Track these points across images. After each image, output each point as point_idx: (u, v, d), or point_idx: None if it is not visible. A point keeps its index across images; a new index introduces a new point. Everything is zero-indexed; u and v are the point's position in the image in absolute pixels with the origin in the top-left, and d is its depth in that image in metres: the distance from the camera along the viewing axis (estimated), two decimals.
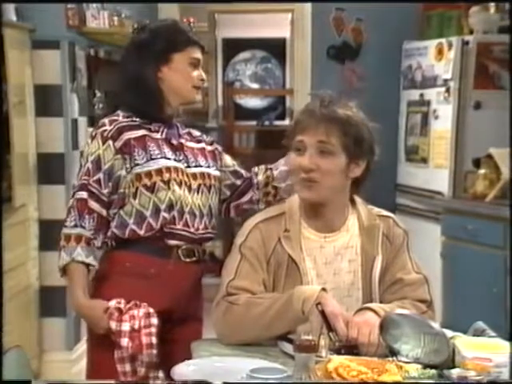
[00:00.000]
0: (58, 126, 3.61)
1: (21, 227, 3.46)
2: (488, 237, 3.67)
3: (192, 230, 2.02)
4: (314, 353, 1.32)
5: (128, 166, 1.99)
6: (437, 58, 4.21)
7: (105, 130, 2.01)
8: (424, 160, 4.33)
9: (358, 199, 1.95)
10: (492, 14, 4.21)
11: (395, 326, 1.65)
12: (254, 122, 6.81)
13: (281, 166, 2.20)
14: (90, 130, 2.60)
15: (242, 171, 2.24)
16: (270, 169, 2.24)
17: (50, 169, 3.60)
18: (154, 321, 1.91)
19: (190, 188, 2.03)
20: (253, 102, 7.08)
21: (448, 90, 4.09)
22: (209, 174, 2.10)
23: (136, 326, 1.88)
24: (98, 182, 1.98)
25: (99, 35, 3.93)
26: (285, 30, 6.73)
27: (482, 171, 3.93)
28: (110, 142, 1.99)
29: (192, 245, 2.05)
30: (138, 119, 2.04)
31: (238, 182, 2.21)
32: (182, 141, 2.11)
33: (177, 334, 2.05)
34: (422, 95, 4.35)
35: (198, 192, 2.05)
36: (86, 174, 1.99)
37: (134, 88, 2.05)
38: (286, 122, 6.79)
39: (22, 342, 1.88)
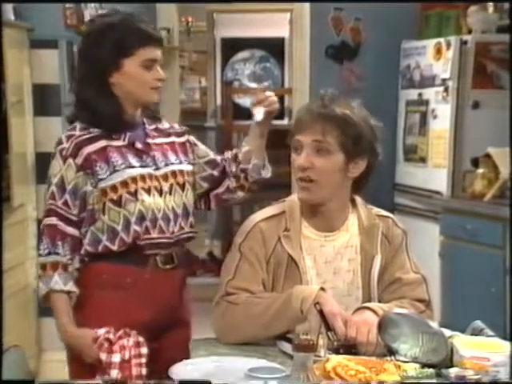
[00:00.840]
0: (57, 126, 3.61)
1: (19, 227, 3.46)
2: (487, 236, 3.67)
3: (168, 234, 1.95)
4: (313, 352, 1.32)
5: (92, 181, 1.91)
6: (435, 58, 4.21)
7: (63, 149, 1.92)
8: (422, 159, 4.33)
9: (358, 199, 1.95)
10: (490, 14, 4.20)
11: (393, 326, 1.65)
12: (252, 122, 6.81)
13: (244, 148, 2.15)
14: None
15: (218, 159, 2.15)
16: (236, 153, 2.17)
17: (49, 168, 3.60)
18: (144, 350, 1.84)
19: (161, 191, 1.95)
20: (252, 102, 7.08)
21: (446, 90, 4.09)
22: (181, 171, 2.01)
23: (126, 357, 1.82)
24: (66, 203, 1.91)
25: None
26: (283, 30, 6.73)
27: (480, 171, 3.93)
28: (70, 160, 1.91)
29: (170, 250, 1.97)
30: (95, 130, 1.94)
31: (215, 173, 2.12)
32: (149, 140, 2.00)
33: (163, 342, 1.98)
34: (420, 95, 4.34)
35: (170, 193, 1.97)
36: (51, 198, 1.93)
37: (85, 97, 1.95)
38: (285, 121, 6.79)
39: (20, 341, 1.88)
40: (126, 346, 1.82)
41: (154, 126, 2.05)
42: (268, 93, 2.01)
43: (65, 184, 1.91)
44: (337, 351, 1.67)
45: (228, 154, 2.17)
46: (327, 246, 1.88)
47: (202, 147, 2.15)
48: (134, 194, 1.91)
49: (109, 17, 1.99)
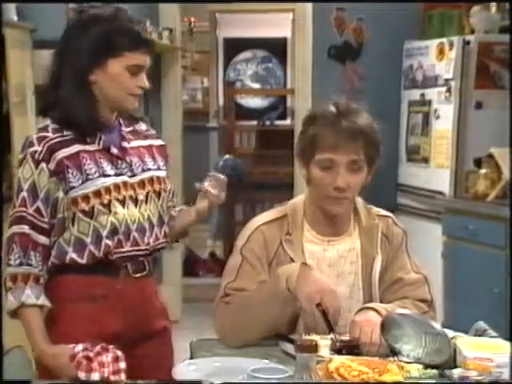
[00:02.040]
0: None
1: None
2: (489, 237, 3.66)
3: (142, 246, 1.84)
4: (315, 353, 1.31)
5: (64, 188, 1.77)
6: (438, 58, 4.20)
7: (35, 152, 1.77)
8: (425, 160, 4.33)
9: (359, 201, 1.95)
10: (493, 14, 4.20)
11: (396, 326, 1.65)
12: (254, 122, 6.81)
13: (179, 216, 1.99)
14: None
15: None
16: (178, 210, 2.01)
17: None
18: (122, 365, 1.72)
19: (136, 201, 1.83)
20: (254, 102, 7.08)
21: (449, 90, 4.09)
22: (158, 178, 1.89)
23: (105, 374, 1.69)
24: (38, 211, 1.77)
25: None
26: (286, 30, 6.74)
27: (483, 171, 3.93)
28: (43, 164, 1.77)
29: (142, 259, 1.87)
30: (68, 133, 1.79)
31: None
32: (125, 144, 1.86)
33: (142, 352, 1.86)
34: (423, 95, 4.34)
35: (146, 202, 1.85)
36: (22, 205, 1.77)
37: (59, 94, 1.79)
38: (287, 121, 6.80)
39: (22, 341, 1.87)
40: (104, 362, 1.70)
41: (130, 128, 1.91)
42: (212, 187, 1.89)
43: (37, 190, 1.77)
44: (339, 352, 1.66)
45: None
46: (330, 250, 1.88)
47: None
48: (107, 206, 1.78)
49: (100, 9, 1.84)
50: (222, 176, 1.90)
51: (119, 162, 1.84)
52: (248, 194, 6.22)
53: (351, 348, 1.68)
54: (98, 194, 1.78)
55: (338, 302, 1.74)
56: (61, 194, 1.78)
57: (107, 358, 1.71)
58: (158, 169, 1.91)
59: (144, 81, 1.82)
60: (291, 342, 1.66)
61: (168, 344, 1.93)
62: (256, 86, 7.16)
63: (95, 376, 1.69)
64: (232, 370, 1.56)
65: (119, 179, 1.81)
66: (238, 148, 6.59)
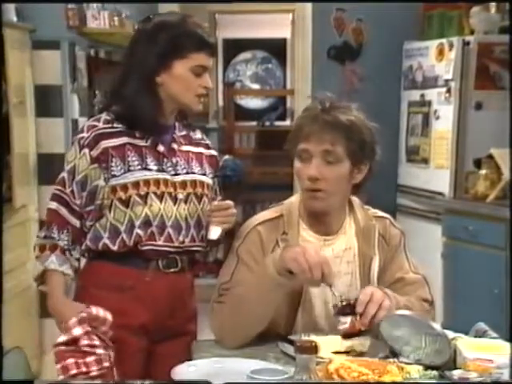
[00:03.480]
0: (59, 127, 3.61)
1: (21, 228, 3.45)
2: (489, 237, 3.66)
3: (176, 243, 1.90)
4: (315, 354, 1.31)
5: (106, 176, 1.86)
6: (437, 59, 4.21)
7: (82, 138, 1.88)
8: (425, 160, 4.33)
9: (355, 200, 1.95)
10: (493, 15, 4.20)
11: (396, 327, 1.65)
12: (254, 123, 6.81)
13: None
14: None
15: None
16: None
17: (51, 169, 3.58)
18: (106, 364, 1.73)
19: (175, 199, 1.89)
20: (253, 103, 7.08)
21: (449, 91, 4.09)
22: (202, 182, 1.95)
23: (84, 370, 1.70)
24: (72, 192, 1.88)
25: (99, 35, 3.92)
26: (285, 31, 6.73)
27: (482, 172, 3.93)
28: (86, 150, 1.87)
29: (174, 255, 1.92)
30: (120, 125, 1.89)
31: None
32: (175, 145, 1.94)
33: (163, 349, 1.93)
34: (422, 96, 4.34)
35: (186, 202, 1.91)
36: (60, 184, 1.89)
37: (127, 93, 1.88)
38: (287, 122, 6.79)
39: (22, 342, 1.87)
40: (88, 362, 1.71)
41: (183, 133, 1.99)
42: (225, 204, 1.91)
43: (75, 173, 1.87)
44: (343, 312, 1.67)
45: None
46: (326, 250, 1.87)
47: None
48: (144, 198, 1.85)
49: (165, 16, 1.97)
50: (226, 203, 1.91)
51: (165, 160, 1.91)
52: (248, 195, 6.21)
53: (354, 308, 1.68)
54: (136, 185, 1.85)
55: (325, 258, 1.71)
56: (101, 182, 1.86)
57: (90, 357, 1.71)
58: (204, 174, 1.97)
59: (208, 81, 1.91)
60: (291, 343, 1.66)
61: (187, 347, 1.89)
62: (256, 86, 7.16)
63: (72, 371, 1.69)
64: (231, 371, 1.56)
65: (161, 175, 1.88)
66: (237, 148, 6.59)
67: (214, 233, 1.90)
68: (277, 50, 6.96)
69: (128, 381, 1.72)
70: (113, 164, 1.86)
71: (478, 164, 3.98)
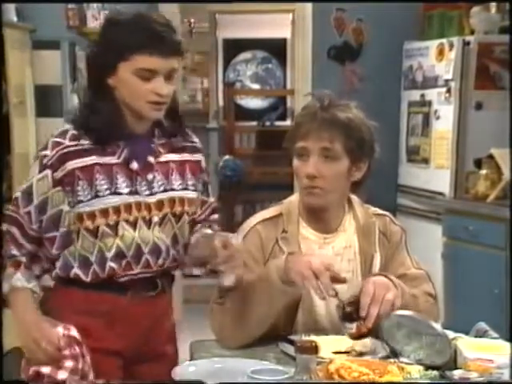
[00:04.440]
0: (59, 127, 3.60)
1: None
2: (489, 237, 3.66)
3: (154, 268, 1.73)
4: (316, 354, 1.31)
5: (71, 200, 1.67)
6: (438, 59, 4.20)
7: (45, 156, 1.68)
8: (425, 160, 4.33)
9: (354, 199, 1.95)
10: (493, 15, 4.19)
11: (397, 327, 1.64)
12: (254, 123, 6.82)
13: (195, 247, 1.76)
14: None
15: (201, 211, 1.86)
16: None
17: None
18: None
19: (149, 223, 1.70)
20: (253, 103, 7.08)
21: (449, 91, 4.08)
22: (181, 200, 1.75)
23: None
24: (28, 215, 1.68)
25: None
26: (285, 31, 6.73)
27: (483, 172, 3.92)
28: (49, 171, 1.67)
29: (154, 278, 1.76)
30: (86, 142, 1.68)
31: (198, 211, 1.85)
32: (151, 158, 1.73)
33: (142, 370, 1.79)
34: (422, 96, 4.34)
35: (161, 224, 1.72)
36: (14, 204, 1.70)
37: (84, 99, 1.73)
38: (287, 122, 6.79)
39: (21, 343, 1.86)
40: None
41: (163, 140, 1.77)
42: (234, 247, 1.67)
43: (33, 195, 1.68)
44: (350, 319, 1.66)
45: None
46: (326, 248, 1.88)
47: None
48: (114, 228, 1.67)
49: (122, 15, 1.72)
50: (232, 241, 1.67)
51: (138, 178, 1.71)
52: (248, 195, 6.22)
53: (357, 307, 1.67)
54: (105, 213, 1.66)
55: (331, 265, 1.70)
56: (65, 207, 1.68)
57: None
58: (185, 189, 1.77)
59: (160, 86, 1.64)
60: (291, 343, 1.66)
61: (170, 370, 1.70)
62: (256, 86, 7.16)
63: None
64: (232, 371, 1.55)
65: (132, 198, 1.69)
66: (237, 148, 6.60)
67: (228, 279, 1.69)
68: (277, 49, 6.96)
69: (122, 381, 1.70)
70: (79, 188, 1.66)
71: (478, 164, 3.98)
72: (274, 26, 6.73)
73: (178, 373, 1.57)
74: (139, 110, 1.68)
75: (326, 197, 1.84)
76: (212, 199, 1.91)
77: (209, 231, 1.78)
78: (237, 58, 7.07)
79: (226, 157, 6.23)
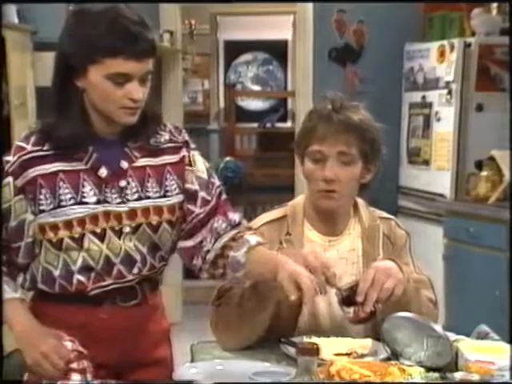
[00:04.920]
0: None
1: None
2: (490, 239, 3.66)
3: (130, 277, 1.61)
4: (317, 356, 1.31)
5: (33, 208, 1.56)
6: (439, 60, 4.20)
7: (7, 162, 1.57)
8: (426, 162, 4.33)
9: (359, 201, 1.95)
10: (494, 16, 4.20)
11: (398, 329, 1.64)
12: (255, 124, 6.82)
13: (241, 252, 1.63)
14: None
15: (210, 197, 1.67)
16: (235, 239, 1.65)
17: None
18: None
19: (119, 233, 1.58)
20: (254, 104, 7.09)
21: (450, 92, 4.09)
22: (158, 208, 1.61)
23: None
24: None
25: None
26: (286, 32, 6.74)
27: (484, 173, 3.92)
28: (10, 179, 1.55)
29: (133, 286, 1.64)
30: (51, 147, 1.56)
31: (197, 210, 1.66)
32: (124, 164, 1.59)
33: (136, 378, 1.69)
34: (423, 97, 4.34)
35: (134, 233, 1.60)
36: None
37: (50, 101, 1.59)
38: (288, 124, 6.80)
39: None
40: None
41: (139, 144, 1.62)
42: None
43: None
44: (348, 302, 1.66)
45: (220, 223, 1.66)
46: (331, 251, 1.87)
47: (199, 170, 1.68)
48: (79, 241, 1.55)
49: (90, 5, 1.54)
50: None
51: (108, 186, 1.58)
52: (249, 197, 6.22)
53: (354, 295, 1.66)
54: (68, 224, 1.55)
55: (327, 261, 1.65)
56: (29, 216, 1.57)
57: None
58: (163, 196, 1.62)
59: (135, 92, 1.52)
60: (293, 345, 1.66)
61: (166, 373, 1.69)
62: (257, 88, 7.16)
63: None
64: (233, 373, 1.55)
65: (101, 208, 1.57)
66: (238, 150, 6.60)
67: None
68: (278, 51, 6.96)
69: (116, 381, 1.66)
70: (41, 197, 1.54)
71: (479, 166, 3.98)
72: (275, 27, 6.73)
73: (179, 375, 1.57)
74: (111, 116, 1.56)
75: (340, 200, 1.85)
76: (217, 183, 1.71)
77: (251, 238, 1.64)
78: (238, 60, 7.07)
79: (227, 158, 6.23)
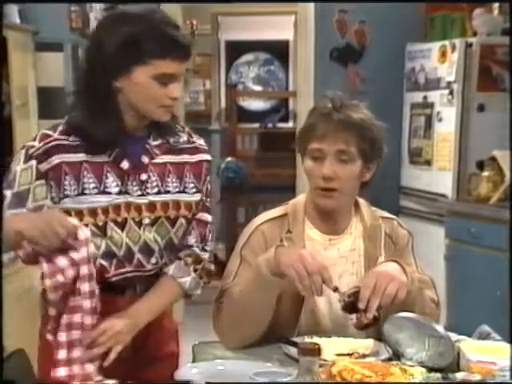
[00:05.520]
0: None
1: None
2: (492, 239, 3.66)
3: (149, 267, 1.69)
4: (318, 356, 1.31)
5: (55, 195, 1.60)
6: (440, 61, 4.20)
7: (32, 147, 1.62)
8: (428, 162, 4.33)
9: (361, 201, 1.95)
10: (495, 16, 4.19)
11: (399, 330, 1.64)
12: (256, 125, 6.81)
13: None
14: None
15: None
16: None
17: None
18: None
19: (139, 223, 1.65)
20: (256, 105, 7.08)
21: (451, 93, 4.08)
22: (177, 203, 1.69)
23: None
24: (9, 206, 1.58)
25: None
26: (288, 32, 6.74)
27: (485, 173, 3.92)
28: (34, 162, 1.60)
29: (151, 278, 1.71)
30: (77, 138, 1.62)
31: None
32: (145, 159, 1.67)
33: (147, 377, 1.75)
34: (425, 97, 4.34)
35: (153, 225, 1.67)
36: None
37: (81, 98, 1.63)
38: (290, 124, 6.79)
39: (24, 344, 1.87)
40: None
41: (159, 142, 1.71)
42: None
43: (13, 184, 1.60)
44: (351, 309, 1.66)
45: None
46: (331, 250, 1.87)
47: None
48: (102, 229, 1.62)
49: (130, 7, 1.65)
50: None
51: (129, 178, 1.65)
52: (250, 197, 6.22)
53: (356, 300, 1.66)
54: (93, 213, 1.61)
55: (323, 263, 1.68)
56: (48, 202, 1.61)
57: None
58: (182, 192, 1.70)
59: (176, 91, 1.62)
60: (294, 345, 1.66)
61: (174, 370, 1.68)
62: (258, 88, 7.16)
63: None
64: (235, 373, 1.55)
65: (122, 198, 1.63)
66: (240, 150, 6.59)
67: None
68: (279, 51, 6.96)
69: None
70: (66, 182, 1.60)
71: (480, 166, 3.98)
72: (277, 27, 6.73)
73: (181, 375, 1.57)
74: (149, 114, 1.64)
75: (340, 199, 1.84)
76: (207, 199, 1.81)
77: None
78: (239, 60, 7.07)
79: (229, 159, 6.23)
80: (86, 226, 1.59)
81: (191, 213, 1.73)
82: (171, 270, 1.75)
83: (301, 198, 1.94)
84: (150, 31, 1.56)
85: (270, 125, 6.78)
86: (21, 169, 1.62)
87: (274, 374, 1.47)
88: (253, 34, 6.82)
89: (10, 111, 3.34)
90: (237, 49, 6.99)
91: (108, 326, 1.60)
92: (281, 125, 6.81)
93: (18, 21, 3.49)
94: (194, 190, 1.74)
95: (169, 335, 1.85)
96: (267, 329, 1.78)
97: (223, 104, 6.92)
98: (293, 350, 1.65)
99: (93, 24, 3.79)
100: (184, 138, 1.76)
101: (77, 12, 3.70)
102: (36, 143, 1.63)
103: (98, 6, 3.87)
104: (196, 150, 1.77)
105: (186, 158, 1.74)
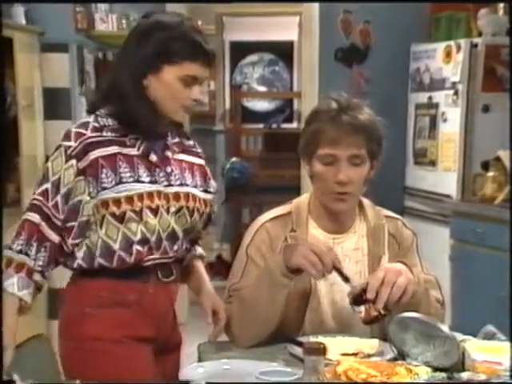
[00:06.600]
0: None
1: None
2: (496, 240, 3.65)
3: (171, 254, 1.79)
4: (324, 356, 1.31)
5: (92, 190, 1.71)
6: (445, 61, 4.20)
7: (69, 147, 1.72)
8: (432, 163, 4.32)
9: (365, 201, 1.95)
10: (501, 17, 4.19)
11: (405, 329, 1.64)
12: (261, 125, 6.81)
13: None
14: None
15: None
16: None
17: None
18: None
19: (168, 211, 1.76)
20: (260, 105, 7.08)
21: (456, 93, 4.08)
22: (194, 196, 1.81)
23: None
24: (56, 206, 1.71)
25: (108, 38, 3.94)
26: (292, 33, 6.73)
27: (490, 174, 3.92)
28: (74, 161, 1.71)
29: (170, 265, 1.82)
30: (109, 134, 1.75)
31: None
32: (168, 153, 1.81)
33: (170, 362, 1.85)
34: (430, 98, 4.34)
35: (176, 214, 1.77)
36: (43, 195, 1.72)
37: (115, 95, 1.76)
38: (294, 124, 6.79)
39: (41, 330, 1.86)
40: None
41: (176, 140, 1.85)
42: None
43: (60, 185, 1.71)
44: (360, 301, 1.68)
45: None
46: (335, 249, 1.87)
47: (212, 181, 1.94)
48: (139, 214, 1.71)
49: (163, 15, 1.81)
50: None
51: (157, 169, 1.77)
52: (255, 197, 6.22)
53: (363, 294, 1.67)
54: (130, 199, 1.71)
55: (330, 246, 1.76)
56: (85, 197, 1.72)
57: None
58: (195, 187, 1.84)
59: (198, 93, 1.75)
60: (299, 344, 1.66)
61: (178, 362, 1.86)
62: (262, 89, 7.16)
63: None
64: (240, 373, 1.56)
65: (154, 187, 1.75)
66: (244, 151, 6.59)
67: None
68: (284, 52, 6.95)
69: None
70: (103, 175, 1.71)
71: (485, 166, 3.97)
72: (281, 28, 6.73)
73: (187, 374, 1.58)
74: (172, 112, 1.77)
75: (351, 201, 1.86)
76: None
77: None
78: (244, 61, 7.07)
79: (233, 159, 6.23)
80: (124, 213, 1.71)
81: (201, 207, 1.84)
82: (198, 249, 1.96)
83: (304, 198, 1.95)
84: (182, 36, 1.72)
85: (274, 125, 6.78)
86: (64, 170, 1.73)
87: (280, 374, 1.47)
88: (257, 34, 6.82)
89: (16, 112, 3.35)
90: (241, 49, 6.99)
91: None
92: (285, 125, 6.80)
93: (23, 22, 3.50)
94: (201, 188, 1.86)
95: (176, 323, 1.92)
96: (274, 328, 1.78)
97: (228, 105, 6.92)
98: (298, 350, 1.65)
99: (98, 25, 3.81)
100: (190, 142, 1.91)
101: (82, 13, 3.71)
102: (72, 143, 1.73)
103: (103, 7, 3.88)
104: (198, 155, 1.91)
105: (193, 159, 1.88)
